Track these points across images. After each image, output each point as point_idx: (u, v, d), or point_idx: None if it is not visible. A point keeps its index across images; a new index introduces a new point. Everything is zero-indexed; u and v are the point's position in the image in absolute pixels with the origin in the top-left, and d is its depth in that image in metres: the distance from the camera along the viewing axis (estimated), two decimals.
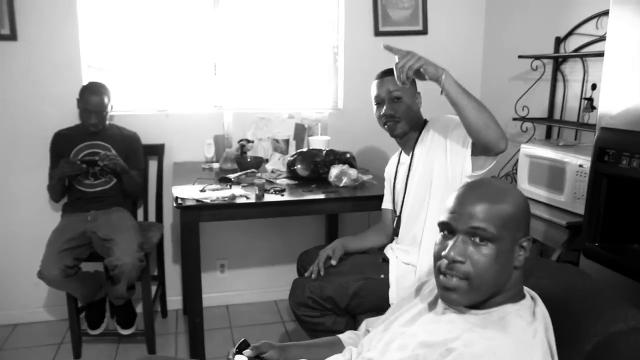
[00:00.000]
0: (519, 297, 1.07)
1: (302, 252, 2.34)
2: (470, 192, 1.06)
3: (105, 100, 2.57)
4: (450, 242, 1.04)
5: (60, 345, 2.70)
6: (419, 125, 2.05)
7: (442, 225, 1.07)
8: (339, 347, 1.34)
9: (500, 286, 1.04)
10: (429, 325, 1.10)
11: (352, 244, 2.17)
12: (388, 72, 1.99)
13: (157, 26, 2.94)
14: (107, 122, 2.66)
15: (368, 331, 1.37)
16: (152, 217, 2.95)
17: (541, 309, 1.05)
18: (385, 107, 2.01)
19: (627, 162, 1.47)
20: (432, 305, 1.17)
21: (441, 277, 1.05)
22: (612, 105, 1.58)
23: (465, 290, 1.03)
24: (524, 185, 2.52)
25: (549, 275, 1.22)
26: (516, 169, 2.66)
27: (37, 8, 2.67)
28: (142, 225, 2.70)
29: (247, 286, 3.23)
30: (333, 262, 2.04)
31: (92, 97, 2.54)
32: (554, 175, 2.32)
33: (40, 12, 2.67)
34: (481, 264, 1.01)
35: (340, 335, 1.39)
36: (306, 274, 2.02)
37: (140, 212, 2.94)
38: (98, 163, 2.46)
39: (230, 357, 1.22)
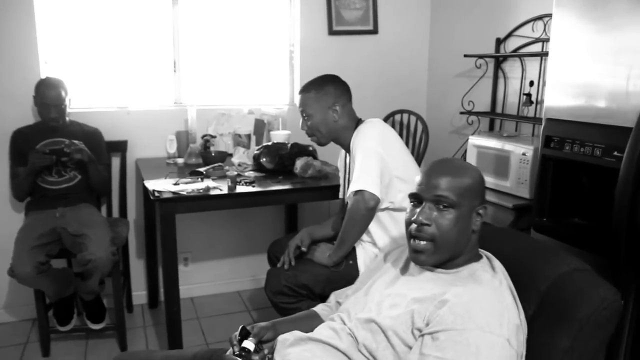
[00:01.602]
0: (478, 257, 1.28)
1: (272, 242, 2.46)
2: (435, 168, 1.26)
3: (63, 93, 2.56)
4: (418, 209, 1.24)
5: (26, 345, 2.67)
6: (350, 128, 2.13)
7: (412, 196, 1.28)
8: (318, 318, 1.51)
9: (461, 247, 1.24)
10: (411, 284, 1.28)
11: (317, 232, 2.31)
12: (302, 89, 2.16)
13: (116, 23, 2.96)
14: (68, 119, 2.66)
15: (338, 302, 1.54)
16: (115, 213, 2.97)
17: (497, 264, 1.26)
18: (300, 123, 2.18)
19: (569, 147, 1.71)
20: (404, 269, 1.37)
21: (411, 240, 1.26)
22: (555, 99, 1.81)
23: (432, 251, 1.23)
24: None
25: (496, 238, 1.46)
26: (465, 158, 2.89)
27: None
28: (110, 221, 2.72)
29: (210, 278, 3.30)
30: (303, 249, 2.18)
31: (48, 91, 2.53)
32: (499, 163, 2.56)
33: None
34: (444, 226, 1.21)
35: (315, 309, 1.57)
36: (278, 265, 2.14)
37: (104, 209, 2.94)
38: (65, 150, 2.46)
39: (236, 342, 1.30)
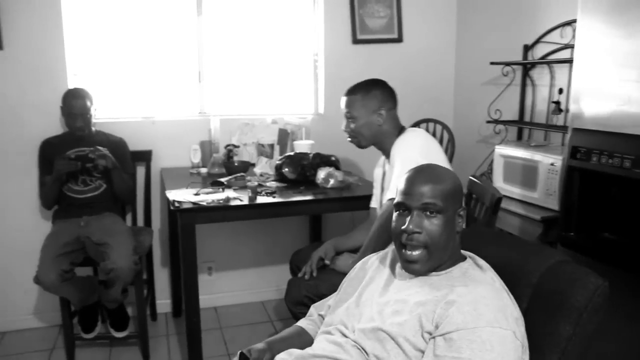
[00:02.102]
0: (463, 257, 1.31)
1: (295, 252, 2.44)
2: (417, 176, 1.28)
3: (88, 103, 2.62)
4: (408, 218, 1.25)
5: (52, 351, 2.72)
6: (392, 135, 2.11)
7: (398, 205, 1.29)
8: (305, 334, 1.48)
9: (450, 249, 1.26)
10: (408, 290, 1.26)
11: (342, 244, 2.27)
12: (347, 91, 2.14)
13: (142, 34, 3.01)
14: (94, 129, 2.71)
15: (320, 315, 1.52)
16: (140, 222, 3.00)
17: (482, 262, 1.28)
18: (344, 124, 2.15)
19: (597, 159, 1.63)
20: (392, 275, 1.36)
21: (403, 250, 1.26)
22: (581, 108, 1.75)
23: (426, 259, 1.24)
24: (499, 183, 2.69)
25: (478, 239, 1.48)
26: (491, 169, 2.83)
27: (24, 18, 2.70)
28: (134, 230, 2.75)
29: (234, 288, 3.30)
30: (327, 262, 2.15)
31: (74, 100, 2.58)
32: (527, 174, 2.49)
33: (26, 22, 2.70)
34: (434, 232, 1.23)
35: (299, 324, 1.53)
36: (299, 275, 2.12)
37: (128, 218, 2.98)
38: (89, 156, 2.50)
39: None
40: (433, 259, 1.24)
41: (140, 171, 2.99)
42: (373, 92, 2.11)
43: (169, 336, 2.90)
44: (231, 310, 3.22)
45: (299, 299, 2.02)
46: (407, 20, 3.38)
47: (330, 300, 1.55)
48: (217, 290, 3.27)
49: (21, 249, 2.60)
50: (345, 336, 1.29)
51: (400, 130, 2.14)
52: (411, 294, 1.24)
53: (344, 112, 2.13)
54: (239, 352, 1.30)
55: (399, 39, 3.39)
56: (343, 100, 2.14)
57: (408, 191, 1.26)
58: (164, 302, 3.15)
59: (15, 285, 2.67)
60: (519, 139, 2.95)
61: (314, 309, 1.59)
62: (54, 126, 2.78)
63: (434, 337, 1.12)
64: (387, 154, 2.14)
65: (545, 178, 2.37)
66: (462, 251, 1.34)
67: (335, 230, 3.20)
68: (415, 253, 1.24)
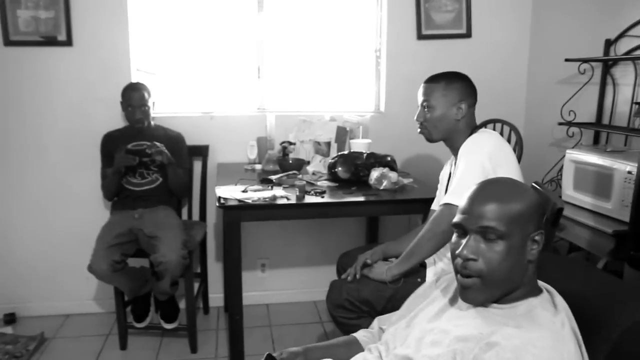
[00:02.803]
0: (537, 291, 1.11)
1: (343, 254, 2.36)
2: (480, 193, 1.11)
3: (146, 95, 2.67)
4: (464, 241, 1.09)
5: (108, 337, 2.81)
6: (465, 133, 1.97)
7: (455, 226, 1.13)
8: (357, 346, 1.38)
9: (516, 280, 1.08)
10: (458, 320, 1.12)
11: (391, 249, 2.16)
12: (429, 79, 1.99)
13: (202, 30, 3.04)
14: (153, 123, 2.76)
15: (381, 329, 1.40)
16: (195, 216, 3.04)
17: (560, 300, 1.09)
18: (417, 113, 2.01)
19: None
20: (453, 300, 1.20)
21: (458, 276, 1.11)
22: None
23: (480, 288, 1.08)
24: (569, 191, 2.47)
25: (559, 269, 1.26)
26: (561, 175, 2.60)
27: (91, 15, 2.80)
28: (186, 224, 2.79)
29: (287, 286, 3.27)
30: (368, 261, 2.05)
31: (132, 93, 2.65)
32: (600, 182, 2.27)
33: (94, 19, 2.81)
34: (493, 260, 1.05)
35: (355, 334, 1.43)
36: (342, 276, 2.04)
37: (184, 211, 3.03)
38: (146, 151, 2.55)
39: None
40: (490, 290, 1.08)
41: (197, 166, 3.02)
42: (456, 83, 1.98)
43: (219, 330, 2.92)
44: (282, 309, 3.19)
45: (340, 302, 1.94)
46: (476, 14, 3.18)
47: (395, 315, 1.42)
48: (270, 287, 3.25)
49: (84, 237, 2.69)
50: (381, 357, 1.21)
51: (474, 129, 1.99)
52: (458, 326, 1.11)
53: (420, 100, 1.99)
54: (266, 354, 1.25)
55: (467, 34, 3.21)
56: (422, 87, 2.01)
57: (467, 210, 1.10)
58: (216, 297, 3.17)
59: (78, 271, 2.76)
60: (595, 144, 2.70)
61: (377, 322, 1.49)
62: (117, 120, 2.87)
63: None
64: (456, 153, 2.00)
65: (621, 187, 2.14)
66: (541, 283, 1.15)
67: (392, 232, 3.09)
68: (468, 281, 1.09)
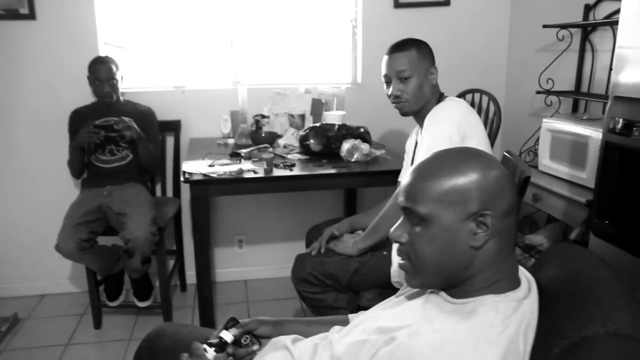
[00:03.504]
0: (507, 286, 0.93)
1: (311, 227, 2.33)
2: (413, 172, 0.97)
3: (114, 68, 2.58)
4: (399, 222, 0.99)
5: (82, 316, 2.79)
6: (432, 101, 1.90)
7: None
8: (345, 324, 1.27)
9: (455, 269, 0.93)
10: (397, 310, 1.04)
11: (360, 221, 2.12)
12: (397, 47, 1.86)
13: (173, 2, 2.93)
14: (122, 99, 2.69)
15: None
16: (169, 192, 2.99)
17: (529, 302, 0.92)
18: (392, 87, 1.87)
19: (639, 133, 1.37)
20: (420, 292, 1.08)
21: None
22: (626, 72, 1.47)
23: (411, 272, 0.97)
24: (545, 161, 2.42)
25: (560, 264, 1.04)
26: (538, 145, 2.55)
27: None
28: (158, 200, 2.74)
29: (265, 262, 3.24)
30: (336, 232, 2.01)
31: (99, 66, 2.56)
32: (576, 151, 2.22)
33: None
34: (416, 244, 0.94)
35: (350, 315, 1.30)
36: (307, 250, 2.00)
37: (158, 188, 2.97)
38: (114, 127, 2.48)
39: (217, 331, 1.21)
40: (421, 276, 0.96)
41: (170, 141, 2.96)
42: (425, 47, 1.88)
43: (195, 307, 2.87)
44: (260, 285, 3.16)
45: (304, 277, 1.90)
46: None
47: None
48: (247, 263, 3.22)
49: (57, 216, 2.63)
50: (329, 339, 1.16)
51: (440, 96, 1.91)
52: (393, 315, 1.01)
53: (394, 72, 1.84)
54: (230, 317, 1.24)
55: (446, 2, 3.11)
56: (390, 58, 1.86)
57: (403, 187, 0.97)
58: (193, 273, 3.11)
59: (52, 251, 2.72)
60: (575, 112, 2.63)
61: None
62: (87, 96, 2.78)
63: None
64: (421, 122, 1.92)
65: (596, 156, 2.07)
66: (529, 278, 0.98)
67: (369, 205, 3.02)
68: (402, 262, 0.99)
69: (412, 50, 1.84)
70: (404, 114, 1.93)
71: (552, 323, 0.87)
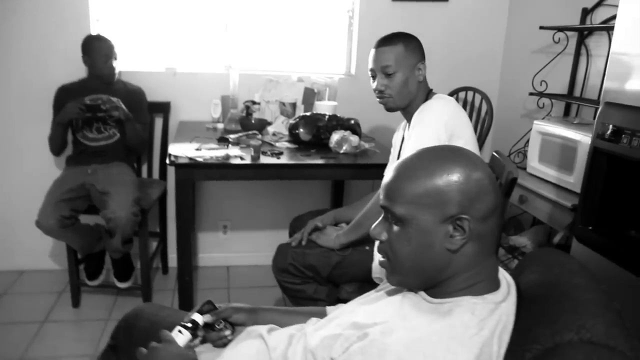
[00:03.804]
0: (486, 288, 0.92)
1: (295, 217, 2.31)
2: (394, 170, 0.95)
3: (112, 45, 2.56)
4: (377, 221, 0.99)
5: (61, 294, 2.76)
6: (420, 97, 1.86)
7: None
8: (321, 315, 1.26)
9: (432, 270, 0.92)
10: (374, 307, 1.03)
11: (344, 214, 2.11)
12: (385, 41, 1.82)
13: None
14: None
15: None
16: (156, 174, 2.95)
17: (506, 305, 0.91)
18: (377, 81, 1.83)
19: (627, 140, 1.36)
20: (399, 289, 1.06)
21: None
22: (619, 78, 1.46)
23: (390, 270, 0.97)
24: (534, 163, 2.42)
25: (541, 268, 1.03)
26: (528, 146, 2.54)
27: None
28: (144, 182, 2.71)
29: (248, 248, 3.22)
30: (319, 225, 1.99)
31: (102, 44, 2.53)
32: (564, 155, 2.21)
33: None
34: (393, 244, 0.94)
35: (328, 308, 1.29)
36: (288, 240, 1.99)
37: (144, 169, 2.94)
38: (101, 107, 2.43)
39: (191, 313, 1.20)
40: (399, 275, 0.96)
41: (158, 123, 2.92)
42: (413, 42, 1.83)
43: (176, 291, 2.85)
44: (242, 271, 3.15)
45: (284, 267, 1.89)
46: None
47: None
48: (231, 249, 3.20)
49: (39, 192, 2.59)
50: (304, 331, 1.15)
51: (428, 93, 1.88)
52: (370, 311, 1.01)
53: (379, 66, 1.80)
54: (206, 300, 1.24)
55: None
56: (376, 52, 1.82)
57: (383, 186, 0.97)
58: (176, 256, 3.10)
59: (33, 227, 2.69)
60: (566, 116, 2.63)
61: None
62: (73, 72, 2.72)
63: None
64: (409, 117, 1.88)
65: (584, 161, 2.07)
66: (509, 282, 0.97)
67: (356, 198, 3.02)
68: (382, 260, 0.98)
69: (399, 45, 1.80)
70: (388, 109, 1.89)
71: (527, 328, 0.87)
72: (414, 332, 0.85)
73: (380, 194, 0.96)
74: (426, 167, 0.91)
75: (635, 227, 1.46)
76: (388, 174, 0.96)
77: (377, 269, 1.77)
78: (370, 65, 1.85)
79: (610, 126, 1.42)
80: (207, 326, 1.19)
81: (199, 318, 1.17)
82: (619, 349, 0.76)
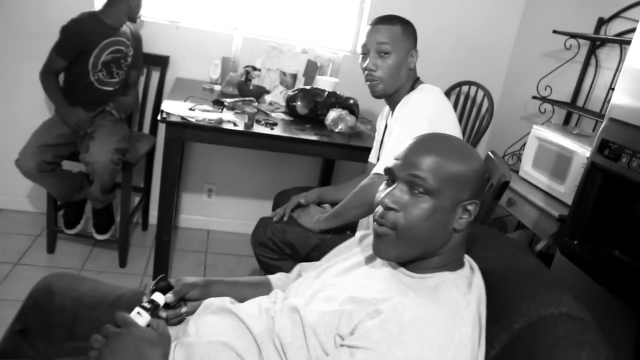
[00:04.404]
0: (457, 265, 1.02)
1: (280, 192, 2.28)
2: (422, 143, 1.01)
3: None
4: (389, 189, 1.00)
5: (36, 238, 2.72)
6: (406, 86, 1.80)
7: (386, 171, 1.03)
8: (267, 288, 1.28)
9: (435, 246, 0.99)
10: (362, 280, 1.04)
11: (329, 194, 2.08)
12: (382, 20, 1.75)
13: None
14: None
15: (301, 275, 1.32)
16: (146, 129, 2.90)
17: (478, 280, 1.01)
18: (369, 60, 1.75)
19: (626, 160, 1.34)
20: (369, 259, 1.11)
21: (375, 224, 1.01)
22: (628, 95, 1.43)
23: (393, 241, 0.98)
24: (527, 167, 2.40)
25: (494, 247, 1.19)
26: (523, 150, 2.52)
27: None
28: (134, 135, 2.65)
29: (231, 215, 3.20)
30: (302, 201, 1.96)
31: None
32: (559, 163, 2.20)
33: None
34: (414, 215, 0.96)
35: (270, 277, 1.33)
36: (270, 215, 1.96)
37: (135, 123, 2.88)
38: (107, 109, 2.50)
39: (147, 292, 1.13)
40: (402, 246, 0.98)
41: (155, 77, 2.85)
42: (410, 27, 1.77)
43: (153, 249, 2.82)
44: (222, 237, 3.13)
45: (263, 240, 1.86)
46: None
47: (316, 264, 1.33)
48: (213, 214, 3.17)
49: (26, 131, 2.52)
50: (274, 304, 1.12)
51: (415, 81, 1.82)
52: (359, 285, 1.01)
53: (375, 43, 1.72)
54: (159, 276, 1.17)
55: None
56: (373, 29, 1.74)
57: (402, 157, 1.00)
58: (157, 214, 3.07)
59: (13, 165, 2.63)
60: (566, 124, 2.61)
61: (298, 267, 1.38)
62: (75, 10, 2.62)
63: (342, 345, 0.91)
64: (393, 106, 1.82)
65: (577, 173, 2.06)
66: (468, 259, 1.06)
67: (346, 178, 3.01)
68: (382, 229, 0.99)
69: (397, 25, 1.73)
70: (376, 95, 1.82)
71: (507, 303, 0.98)
72: (424, 309, 0.89)
73: (401, 162, 0.99)
74: (461, 150, 1.00)
75: (620, 248, 1.45)
76: (418, 149, 0.99)
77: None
78: (363, 41, 1.78)
79: (611, 143, 1.39)
80: (165, 305, 1.12)
81: (159, 298, 1.09)
82: (586, 319, 0.92)
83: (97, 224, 2.57)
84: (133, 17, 2.51)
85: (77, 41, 2.38)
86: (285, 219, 1.90)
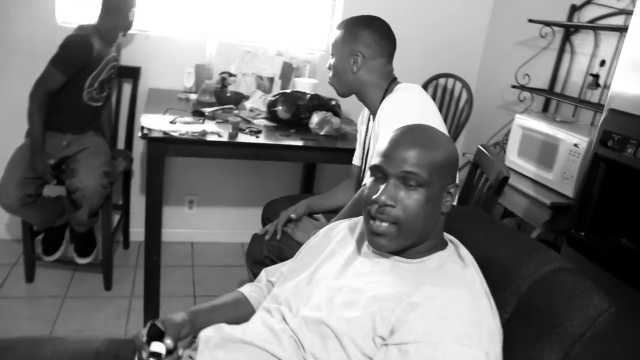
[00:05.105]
0: (444, 243, 1.09)
1: (268, 203, 2.20)
2: (404, 137, 1.05)
3: None
4: (382, 186, 1.03)
5: (13, 267, 2.58)
6: (372, 88, 1.76)
7: (374, 169, 1.06)
8: (245, 303, 1.25)
9: (429, 231, 1.05)
10: (367, 277, 1.05)
11: (318, 204, 2.02)
12: (339, 24, 1.78)
13: None
14: None
15: (270, 282, 1.29)
16: (121, 144, 2.79)
17: (465, 252, 1.07)
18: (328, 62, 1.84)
19: (632, 150, 1.34)
20: (355, 253, 1.15)
21: (371, 222, 1.04)
22: (626, 85, 1.43)
23: (395, 235, 1.03)
24: (513, 157, 2.41)
25: (464, 222, 1.25)
26: (507, 139, 2.54)
27: None
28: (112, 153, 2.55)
29: (214, 225, 3.12)
30: (293, 216, 1.91)
31: None
32: (545, 151, 2.21)
33: None
34: (411, 208, 1.01)
35: (241, 290, 1.29)
36: (260, 233, 1.89)
37: (108, 138, 2.77)
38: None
39: (144, 345, 1.04)
40: (404, 238, 1.03)
41: (127, 89, 2.75)
42: (358, 31, 1.72)
43: (138, 267, 2.74)
44: (207, 248, 3.05)
45: (260, 259, 1.81)
46: None
47: (284, 266, 1.32)
48: (196, 225, 3.09)
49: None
50: (286, 321, 1.07)
51: (391, 82, 1.76)
52: (371, 283, 1.02)
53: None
54: (149, 323, 1.08)
55: None
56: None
57: (388, 153, 1.03)
58: (138, 231, 2.94)
59: None
60: (545, 111, 2.64)
61: (264, 274, 1.35)
62: (44, 28, 2.50)
63: (387, 345, 0.90)
64: (372, 110, 1.79)
65: (565, 160, 2.09)
66: (446, 235, 1.12)
67: (328, 182, 2.98)
68: (384, 225, 1.02)
69: (340, 30, 1.76)
70: (337, 94, 1.86)
71: (508, 267, 1.06)
72: (451, 290, 0.94)
73: (390, 159, 1.02)
74: (438, 139, 1.06)
75: (627, 235, 1.46)
76: (398, 145, 1.03)
77: None
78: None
79: (615, 134, 1.39)
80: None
81: (160, 348, 1.03)
82: (574, 269, 1.02)
83: (78, 248, 2.47)
84: (127, 31, 2.43)
85: (81, 57, 2.21)
86: (278, 236, 1.84)
